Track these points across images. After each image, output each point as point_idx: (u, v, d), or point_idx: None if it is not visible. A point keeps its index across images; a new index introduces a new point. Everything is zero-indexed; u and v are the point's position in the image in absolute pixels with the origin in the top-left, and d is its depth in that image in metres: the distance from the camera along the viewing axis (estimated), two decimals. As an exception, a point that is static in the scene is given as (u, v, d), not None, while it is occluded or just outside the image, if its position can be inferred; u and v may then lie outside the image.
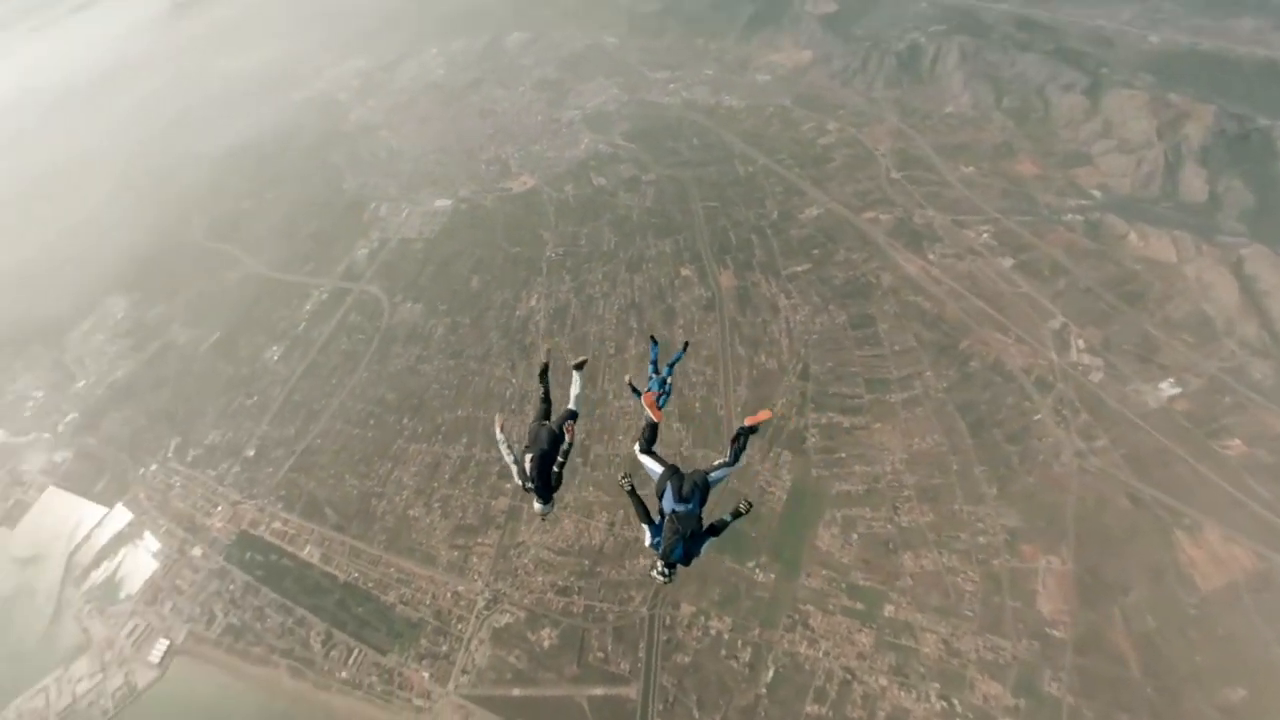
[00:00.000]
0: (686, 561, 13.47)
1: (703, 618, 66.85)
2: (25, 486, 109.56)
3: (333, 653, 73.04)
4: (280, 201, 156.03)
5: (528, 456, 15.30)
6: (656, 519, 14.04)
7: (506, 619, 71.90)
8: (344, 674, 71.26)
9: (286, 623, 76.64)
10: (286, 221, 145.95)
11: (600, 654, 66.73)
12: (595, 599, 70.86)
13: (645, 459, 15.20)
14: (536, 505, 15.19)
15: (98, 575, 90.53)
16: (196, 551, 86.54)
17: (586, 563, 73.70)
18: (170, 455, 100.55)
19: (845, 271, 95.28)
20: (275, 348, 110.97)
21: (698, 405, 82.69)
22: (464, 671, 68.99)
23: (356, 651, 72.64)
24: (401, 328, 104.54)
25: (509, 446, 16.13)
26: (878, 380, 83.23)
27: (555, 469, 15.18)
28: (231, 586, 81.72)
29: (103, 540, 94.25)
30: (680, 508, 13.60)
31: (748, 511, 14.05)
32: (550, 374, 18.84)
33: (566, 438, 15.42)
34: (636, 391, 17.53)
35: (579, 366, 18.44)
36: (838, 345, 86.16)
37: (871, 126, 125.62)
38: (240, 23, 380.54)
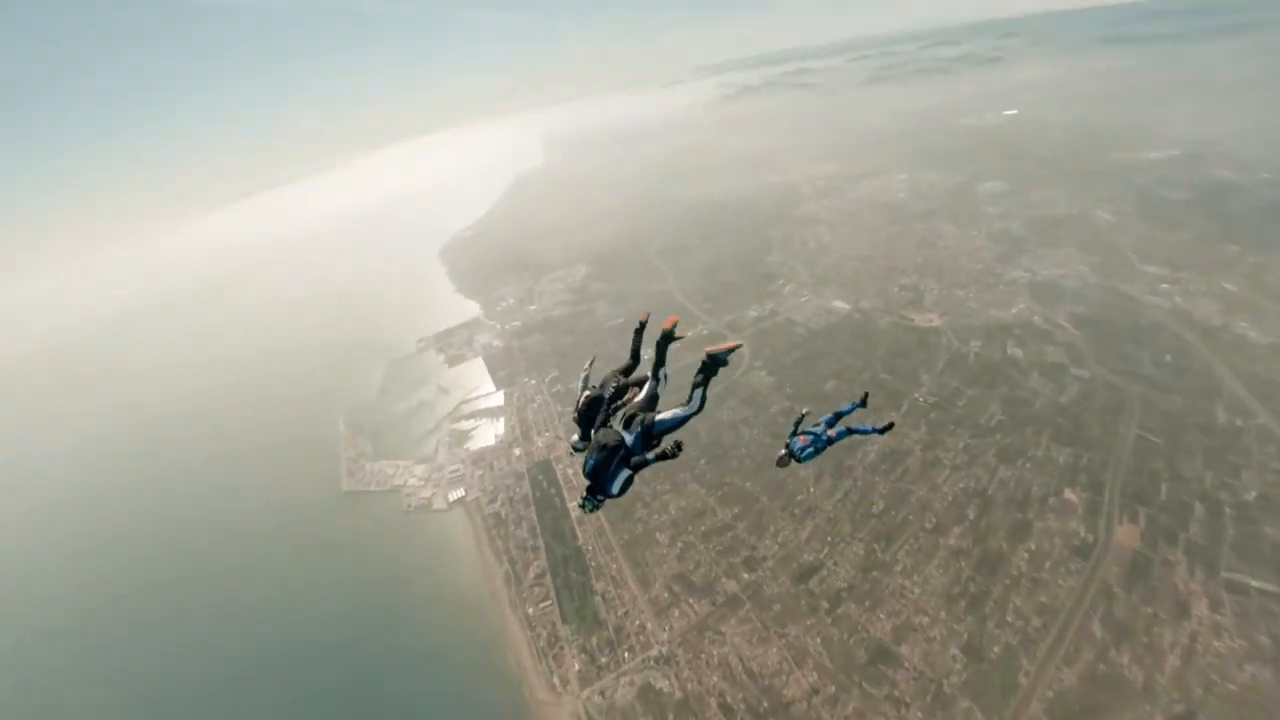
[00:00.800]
0: (596, 482, 13.64)
1: None
2: (471, 348, 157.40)
3: (535, 588, 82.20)
4: (715, 249, 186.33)
5: (585, 394, 16.08)
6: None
7: (663, 684, 68.77)
8: (530, 610, 79.74)
9: (527, 540, 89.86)
10: (711, 266, 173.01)
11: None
12: (751, 744, 61.51)
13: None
14: (573, 437, 15.94)
15: (463, 425, 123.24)
16: (516, 451, 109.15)
17: (766, 704, 64.72)
18: (545, 381, 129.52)
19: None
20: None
21: (995, 650, 63.92)
22: (601, 694, 68.92)
23: (548, 603, 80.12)
24: (745, 388, 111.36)
25: (585, 380, 16.80)
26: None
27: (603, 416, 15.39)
28: (517, 489, 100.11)
29: (480, 406, 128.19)
30: (616, 429, 14.12)
31: (674, 454, 13.55)
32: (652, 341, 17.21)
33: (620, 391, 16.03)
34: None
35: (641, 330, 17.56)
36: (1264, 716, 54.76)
37: None
38: (762, 115, 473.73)
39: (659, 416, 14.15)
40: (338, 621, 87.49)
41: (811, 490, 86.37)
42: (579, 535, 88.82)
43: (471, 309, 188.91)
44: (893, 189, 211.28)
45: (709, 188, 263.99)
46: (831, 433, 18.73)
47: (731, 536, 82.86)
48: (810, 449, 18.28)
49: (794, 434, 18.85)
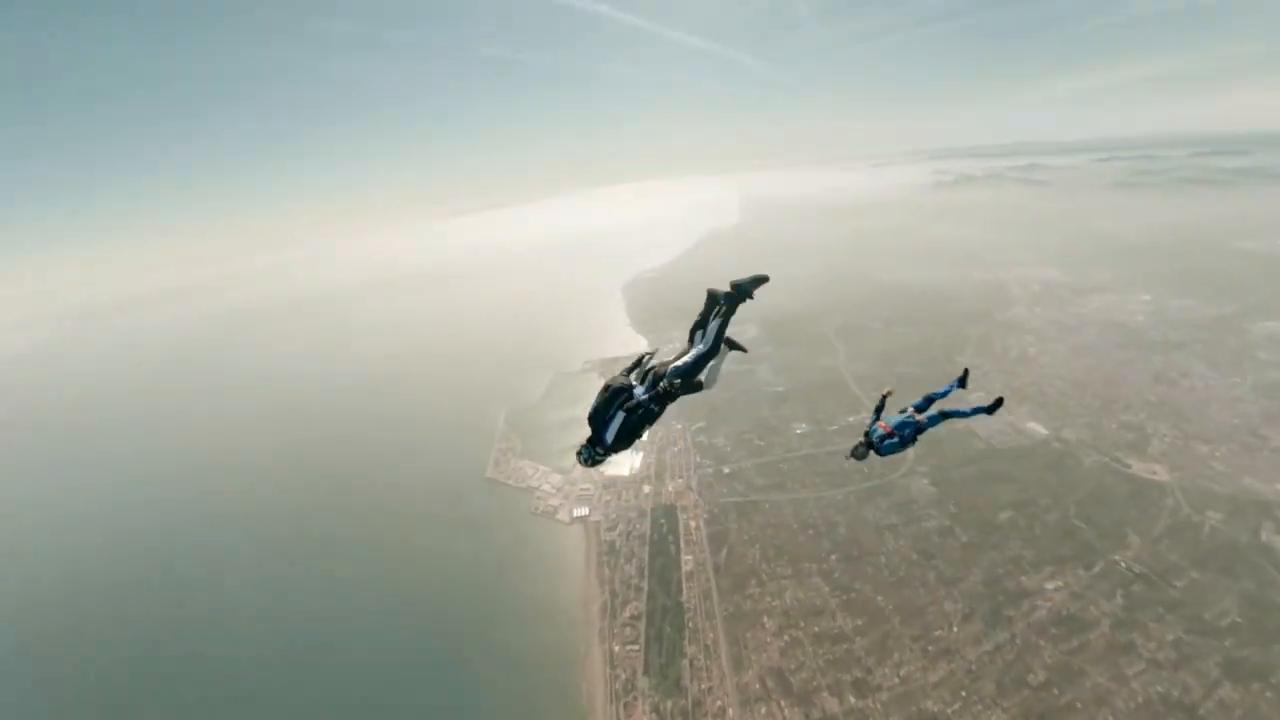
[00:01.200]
0: (594, 430, 12.71)
1: None
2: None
3: (627, 628, 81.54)
4: (898, 337, 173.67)
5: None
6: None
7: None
8: (616, 648, 79.22)
9: (633, 578, 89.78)
10: (890, 353, 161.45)
11: None
12: None
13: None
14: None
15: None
16: (646, 489, 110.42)
17: None
18: (691, 429, 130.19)
19: None
20: (801, 425, 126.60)
21: None
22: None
23: (635, 647, 78.67)
24: (900, 491, 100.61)
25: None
26: None
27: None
28: (637, 525, 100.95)
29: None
30: (628, 381, 13.05)
31: (673, 392, 12.50)
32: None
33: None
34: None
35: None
36: None
37: None
38: (977, 207, 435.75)
39: (673, 363, 13.15)
40: (440, 590, 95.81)
41: (955, 629, 74.57)
42: (684, 590, 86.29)
43: (640, 344, 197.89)
44: (1129, 309, 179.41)
45: (903, 273, 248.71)
46: (921, 418, 15.74)
47: (846, 650, 74.24)
48: (894, 440, 15.57)
49: (874, 420, 16.24)
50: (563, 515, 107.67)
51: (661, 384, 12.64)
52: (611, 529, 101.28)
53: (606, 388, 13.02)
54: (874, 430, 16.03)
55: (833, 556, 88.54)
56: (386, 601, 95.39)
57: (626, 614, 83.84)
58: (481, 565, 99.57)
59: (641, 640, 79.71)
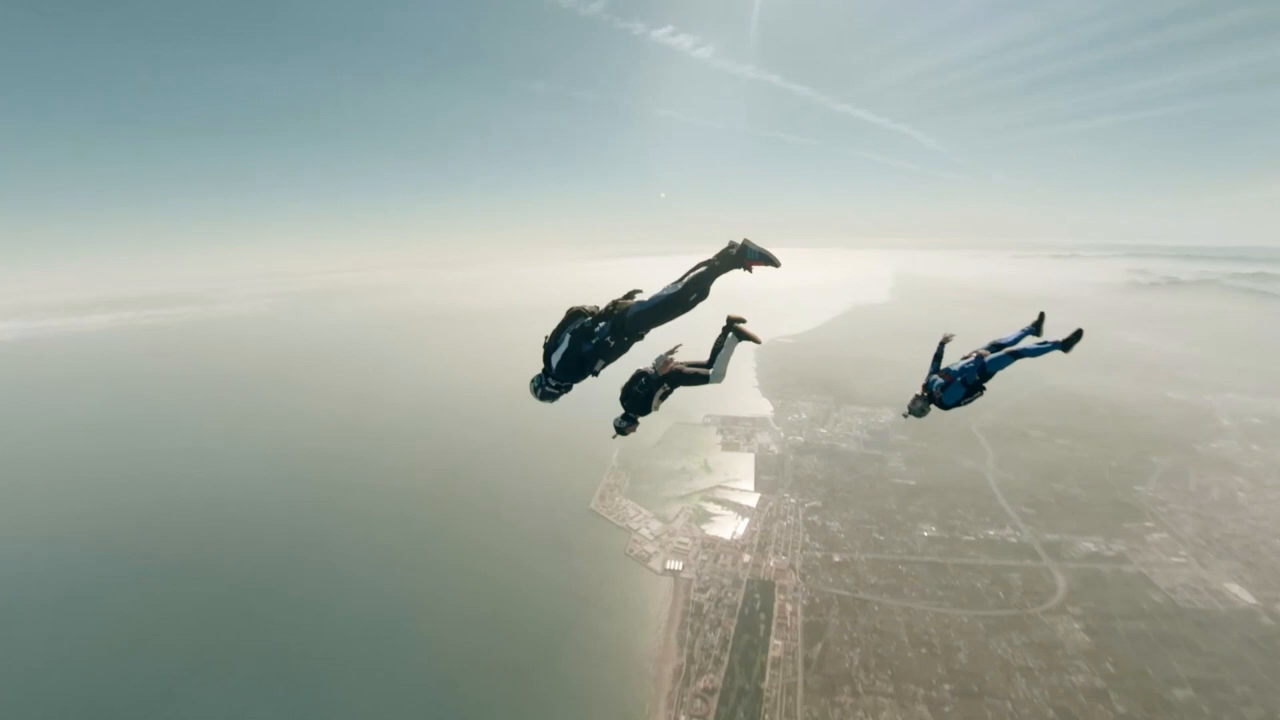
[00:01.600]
0: (548, 359, 12.69)
1: None
2: (748, 443, 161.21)
3: (698, 701, 77.14)
4: (1061, 450, 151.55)
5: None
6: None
7: None
8: (683, 717, 75.43)
9: (714, 649, 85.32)
10: (1049, 466, 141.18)
11: None
12: None
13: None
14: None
15: (710, 507, 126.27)
16: (746, 558, 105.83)
17: None
18: (805, 506, 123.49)
19: None
20: (929, 528, 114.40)
21: None
22: None
23: (710, 730, 73.91)
24: (1042, 630, 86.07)
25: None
26: None
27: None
28: (730, 594, 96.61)
29: (732, 498, 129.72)
30: (593, 309, 12.77)
31: (625, 324, 12.15)
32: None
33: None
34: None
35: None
36: None
37: None
38: (1182, 316, 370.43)
39: (639, 300, 12.54)
40: (520, 604, 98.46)
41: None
42: (767, 677, 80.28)
43: (764, 407, 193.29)
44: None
45: (1079, 378, 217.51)
46: (988, 355, 13.88)
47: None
48: (957, 384, 13.83)
49: (933, 370, 14.43)
50: (655, 564, 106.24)
51: (627, 322, 12.00)
52: (702, 591, 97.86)
53: (567, 311, 12.56)
54: (933, 381, 14.48)
55: (946, 686, 77.50)
56: (465, 600, 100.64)
57: (701, 685, 79.66)
58: (565, 593, 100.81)
59: (711, 718, 75.18)
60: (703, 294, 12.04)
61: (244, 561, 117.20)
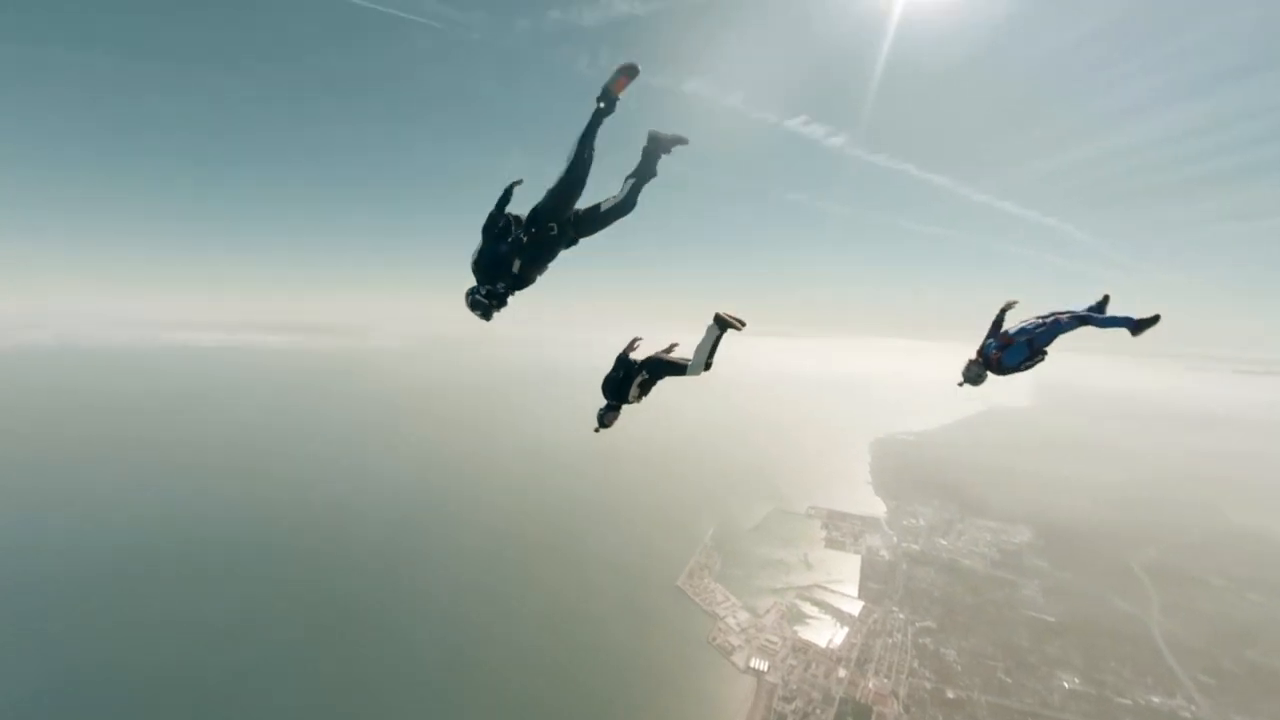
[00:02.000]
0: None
1: None
2: (855, 543, 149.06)
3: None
4: (1253, 607, 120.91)
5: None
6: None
7: None
8: None
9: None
10: (1238, 626, 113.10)
11: None
12: None
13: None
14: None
15: (805, 607, 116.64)
16: (841, 673, 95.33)
17: None
18: (916, 625, 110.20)
19: None
20: (1072, 678, 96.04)
21: None
22: None
23: None
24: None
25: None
26: None
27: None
28: (819, 711, 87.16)
29: (831, 602, 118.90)
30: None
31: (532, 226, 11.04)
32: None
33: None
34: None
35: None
36: None
37: None
38: None
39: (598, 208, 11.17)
40: (588, 669, 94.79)
41: None
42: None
43: (876, 507, 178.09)
44: None
45: (1272, 519, 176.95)
46: (1062, 316, 12.62)
47: None
48: (1022, 346, 12.65)
49: (991, 334, 13.28)
50: (738, 659, 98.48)
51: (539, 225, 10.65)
52: (788, 700, 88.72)
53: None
54: (989, 345, 13.29)
55: None
56: (536, 644, 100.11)
57: (778, 811, 70.97)
58: (638, 667, 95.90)
59: None
60: (589, 160, 10.42)
61: (349, 561, 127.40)
